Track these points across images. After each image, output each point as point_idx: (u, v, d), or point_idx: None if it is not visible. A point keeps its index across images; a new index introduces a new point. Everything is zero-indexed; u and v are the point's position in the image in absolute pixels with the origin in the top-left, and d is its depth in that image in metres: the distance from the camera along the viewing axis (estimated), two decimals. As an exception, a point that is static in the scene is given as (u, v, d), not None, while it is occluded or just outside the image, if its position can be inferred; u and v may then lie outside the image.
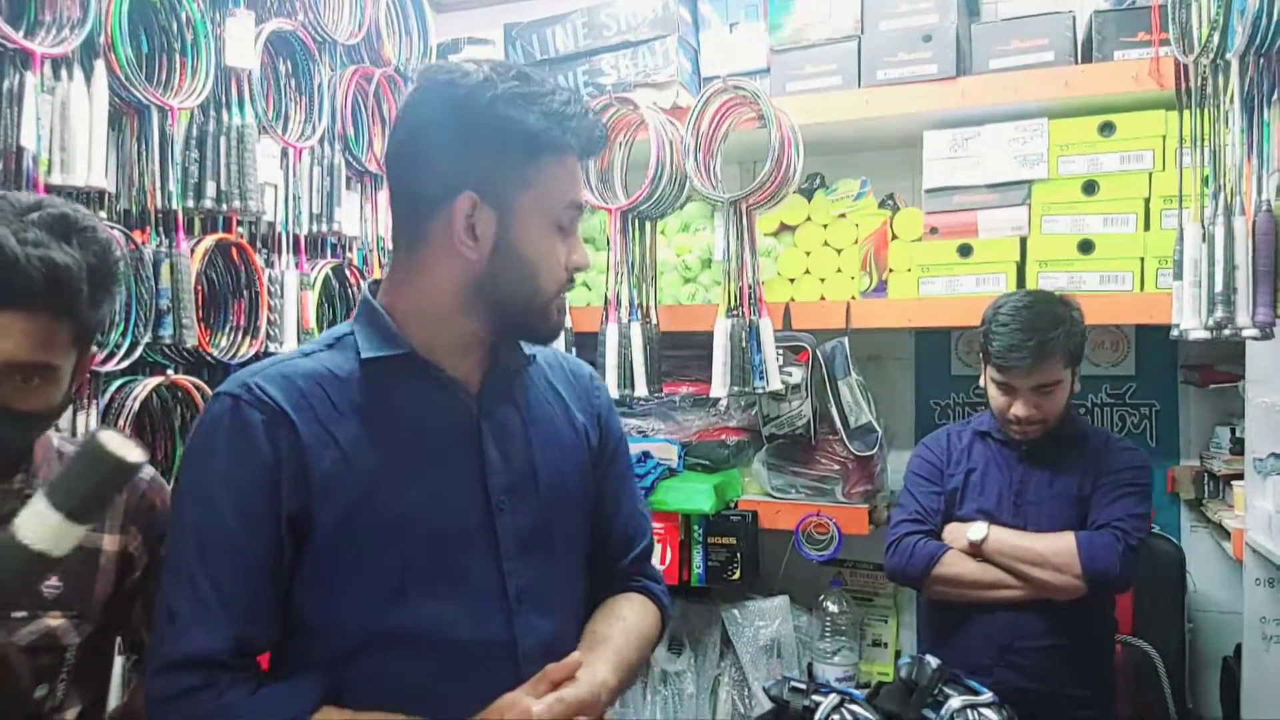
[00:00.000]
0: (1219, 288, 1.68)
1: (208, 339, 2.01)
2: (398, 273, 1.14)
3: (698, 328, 2.53)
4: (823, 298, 2.57)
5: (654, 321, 2.53)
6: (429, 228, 1.08)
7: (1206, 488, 2.46)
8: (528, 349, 1.21)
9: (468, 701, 1.05)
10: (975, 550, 1.98)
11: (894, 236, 2.53)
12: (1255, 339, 1.73)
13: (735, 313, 2.38)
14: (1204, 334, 1.78)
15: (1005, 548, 1.96)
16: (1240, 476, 2.18)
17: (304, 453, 1.03)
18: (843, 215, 2.58)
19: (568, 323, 2.60)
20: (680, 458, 2.61)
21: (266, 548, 1.04)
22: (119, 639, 1.31)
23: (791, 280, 2.61)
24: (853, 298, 2.53)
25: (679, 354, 2.68)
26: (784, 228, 2.66)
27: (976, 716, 1.64)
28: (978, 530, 1.97)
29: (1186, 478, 2.54)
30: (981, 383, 2.08)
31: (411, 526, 1.06)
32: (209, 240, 1.99)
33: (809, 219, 2.61)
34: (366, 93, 2.48)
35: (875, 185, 2.61)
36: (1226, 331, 1.76)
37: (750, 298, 2.38)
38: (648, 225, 2.54)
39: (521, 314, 1.12)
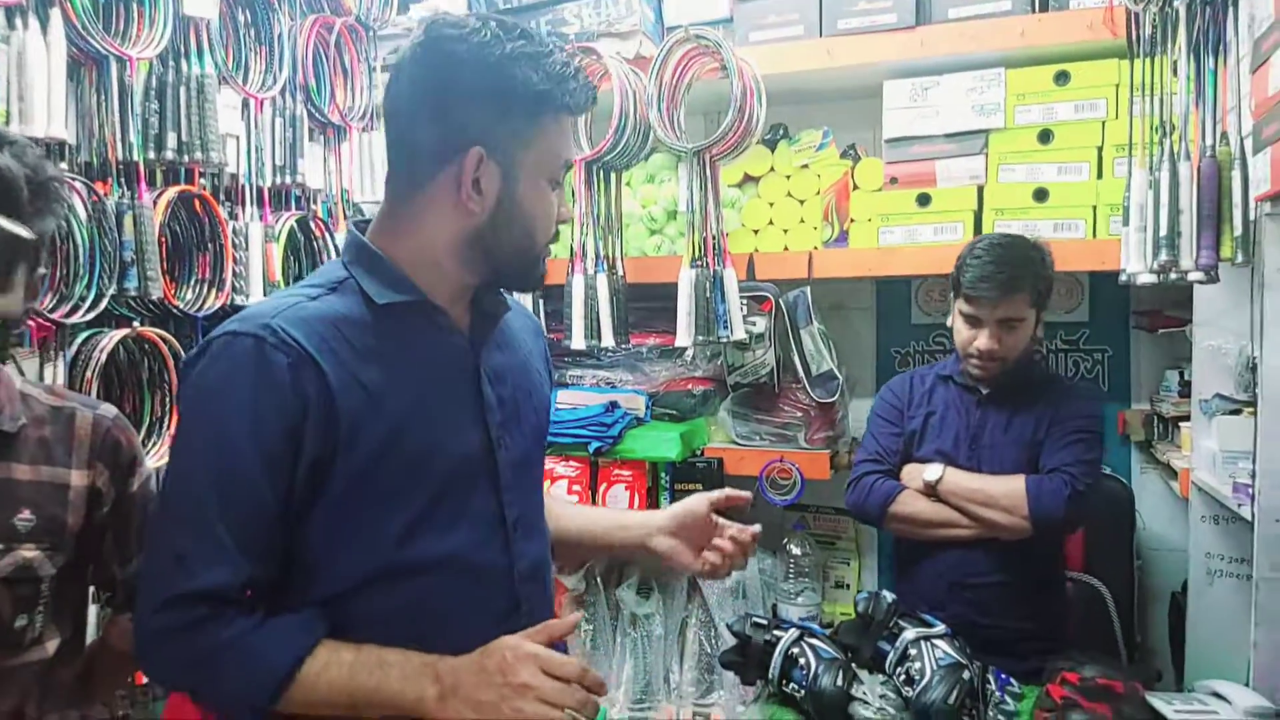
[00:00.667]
0: (1163, 232, 1.74)
1: (173, 292, 2.01)
2: (392, 221, 1.16)
3: (664, 279, 2.56)
4: (786, 248, 2.61)
5: (620, 273, 2.56)
6: (431, 180, 1.11)
7: (1156, 430, 2.55)
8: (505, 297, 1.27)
9: (468, 623, 1.11)
10: (930, 490, 2.05)
11: (855, 186, 2.57)
12: (1199, 282, 1.79)
13: (699, 263, 2.41)
14: (1150, 278, 1.84)
15: (958, 489, 2.03)
16: (1188, 418, 2.25)
17: (332, 396, 1.04)
18: (805, 166, 2.61)
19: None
20: (648, 408, 2.65)
21: (283, 491, 1.05)
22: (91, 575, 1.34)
23: (755, 231, 2.64)
24: (815, 248, 2.57)
25: (646, 305, 2.71)
26: (748, 179, 2.68)
27: (930, 647, 1.71)
28: (933, 471, 2.04)
29: (1137, 420, 2.63)
30: (949, 323, 2.13)
31: (431, 465, 1.10)
32: (171, 192, 1.98)
33: (772, 170, 2.64)
34: (327, 43, 2.46)
35: (837, 135, 2.64)
36: (1172, 275, 1.81)
37: (714, 248, 2.41)
38: (613, 176, 2.56)
39: (515, 265, 1.16)
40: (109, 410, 1.32)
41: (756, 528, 1.40)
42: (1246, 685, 1.72)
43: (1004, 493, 1.99)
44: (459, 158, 1.09)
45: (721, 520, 1.38)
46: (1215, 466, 1.98)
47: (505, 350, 1.25)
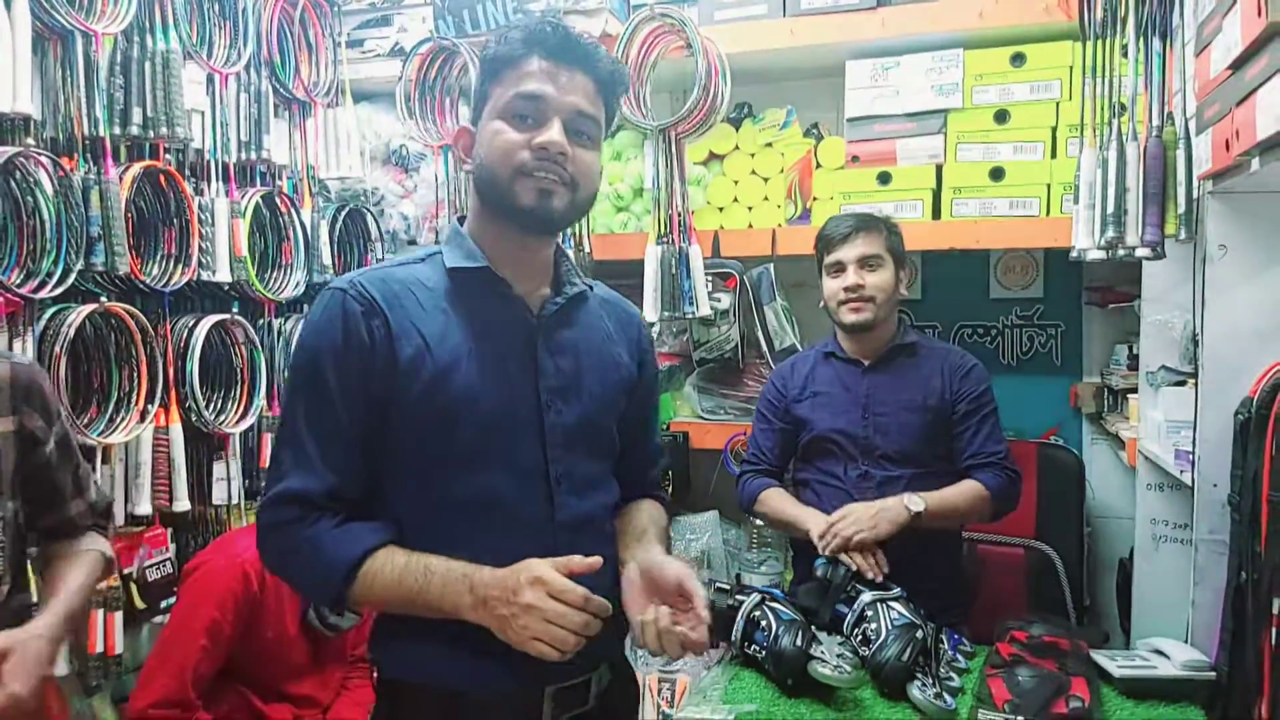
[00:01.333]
0: (1111, 209, 1.80)
1: (139, 267, 2.02)
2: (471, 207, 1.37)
3: (630, 256, 2.60)
4: (750, 225, 2.65)
5: (587, 250, 2.59)
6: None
7: (1106, 402, 2.63)
8: (583, 282, 1.38)
9: (510, 561, 1.21)
10: (916, 521, 1.99)
11: (818, 165, 2.62)
12: (1146, 258, 1.85)
13: (665, 240, 2.45)
14: (1098, 254, 1.90)
15: (939, 513, 2.02)
16: (1136, 390, 2.33)
17: (393, 342, 1.22)
18: (769, 144, 2.65)
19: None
20: (614, 382, 2.69)
21: (359, 418, 1.22)
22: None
23: (720, 208, 2.68)
24: (779, 225, 2.62)
25: (613, 283, 2.68)
26: (713, 156, 2.72)
27: (885, 609, 1.77)
28: (916, 503, 1.99)
29: (1088, 393, 2.71)
30: (821, 304, 2.22)
31: (477, 409, 1.24)
32: (137, 168, 1.99)
33: (737, 148, 2.68)
34: (292, 18, 2.47)
35: (800, 114, 2.68)
36: (1120, 252, 1.88)
37: (680, 225, 2.45)
38: (579, 154, 2.58)
39: (497, 199, 1.27)
40: (23, 358, 1.40)
41: (703, 638, 1.22)
42: (1186, 642, 1.81)
43: (971, 503, 2.06)
44: None
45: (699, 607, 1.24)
46: (1160, 436, 2.06)
47: (579, 328, 1.36)
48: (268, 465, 1.33)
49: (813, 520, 2.01)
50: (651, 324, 2.51)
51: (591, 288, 1.40)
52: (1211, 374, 1.76)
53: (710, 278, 2.54)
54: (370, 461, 1.25)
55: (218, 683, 1.83)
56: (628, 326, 1.45)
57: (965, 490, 2.07)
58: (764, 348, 2.55)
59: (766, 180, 2.65)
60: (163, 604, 2.07)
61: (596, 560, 1.19)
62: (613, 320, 1.43)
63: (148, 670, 1.77)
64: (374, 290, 1.24)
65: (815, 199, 2.59)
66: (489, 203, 1.29)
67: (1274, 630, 1.44)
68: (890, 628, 1.72)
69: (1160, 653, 1.77)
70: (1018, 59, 2.38)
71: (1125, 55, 1.91)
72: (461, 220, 1.37)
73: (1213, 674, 1.66)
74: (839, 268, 2.12)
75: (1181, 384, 2.05)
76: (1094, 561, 2.70)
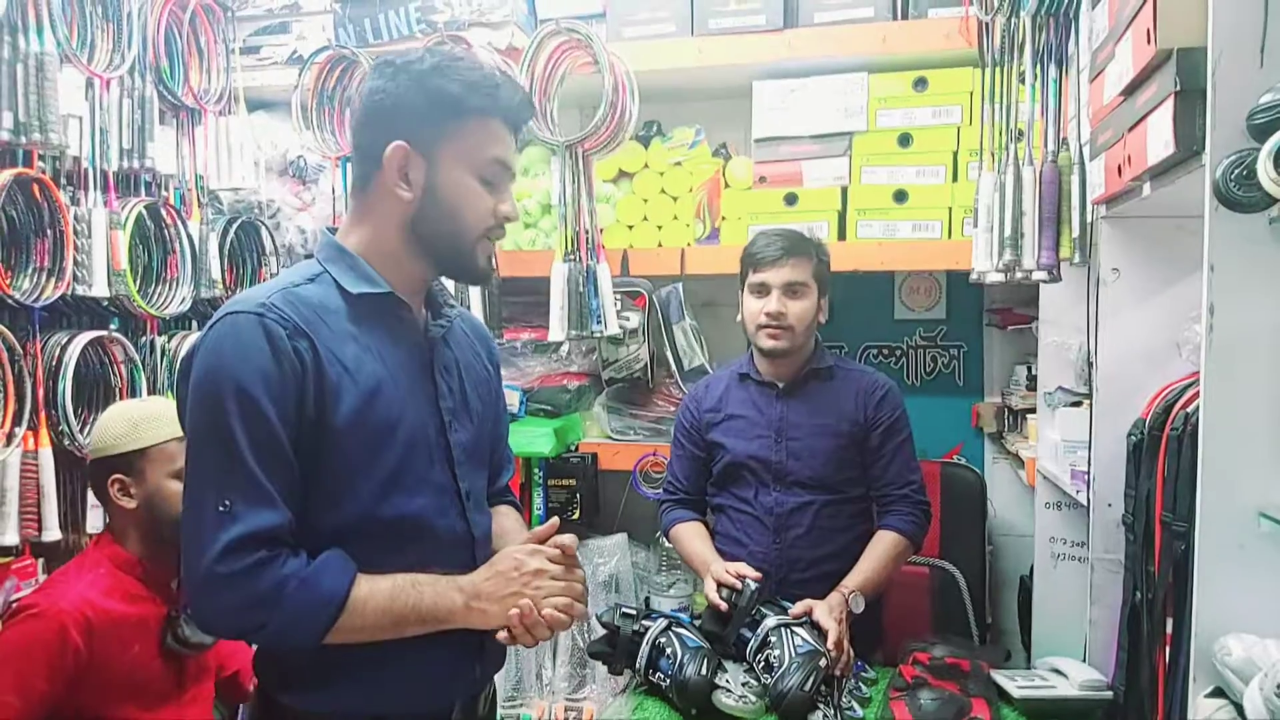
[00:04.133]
0: (1008, 232, 1.82)
1: (8, 281, 1.89)
2: (354, 221, 1.34)
3: (538, 273, 2.54)
4: (660, 244, 2.63)
5: (494, 267, 2.52)
6: (374, 177, 1.30)
7: (1006, 421, 2.68)
8: (452, 302, 1.44)
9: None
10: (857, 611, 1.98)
11: (726, 185, 2.61)
12: (1042, 281, 1.89)
13: (572, 257, 2.41)
14: (997, 276, 1.93)
15: (875, 592, 2.02)
16: (1035, 410, 2.38)
17: (321, 365, 1.21)
18: (678, 163, 2.64)
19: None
20: (522, 403, 2.63)
21: (294, 444, 1.20)
22: None
23: (630, 227, 2.66)
24: (688, 245, 2.60)
25: (519, 300, 2.69)
26: (622, 174, 2.70)
27: (789, 634, 1.75)
28: (859, 603, 1.96)
29: (989, 413, 2.76)
30: (739, 318, 2.18)
31: (396, 435, 1.27)
32: (7, 175, 1.86)
33: (646, 166, 2.66)
34: (181, 21, 2.36)
35: (709, 134, 2.68)
36: (1017, 275, 1.91)
37: (588, 243, 2.41)
38: (485, 169, 2.53)
39: (450, 252, 1.31)
40: None
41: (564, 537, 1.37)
42: (1083, 660, 1.83)
43: (895, 563, 2.06)
44: (387, 152, 1.27)
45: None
46: (1057, 455, 2.09)
47: (454, 348, 1.41)
48: (191, 512, 1.19)
49: (703, 570, 2.03)
50: (559, 343, 2.47)
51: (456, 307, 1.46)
52: (1105, 395, 1.79)
53: (619, 296, 2.51)
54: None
55: (76, 721, 1.70)
56: (484, 341, 1.52)
57: (887, 553, 2.05)
58: (673, 367, 2.53)
59: (675, 199, 2.63)
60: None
61: (554, 522, 1.35)
62: (474, 336, 1.49)
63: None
64: (290, 312, 1.21)
65: (724, 219, 2.59)
66: (427, 244, 1.29)
67: (1168, 649, 1.46)
68: (794, 655, 1.70)
69: (1059, 672, 1.79)
70: (920, 84, 2.42)
71: (1023, 82, 1.96)
72: (332, 231, 1.35)
73: (1109, 693, 1.68)
74: (763, 289, 2.07)
75: (1077, 404, 2.09)
76: (995, 579, 2.74)
